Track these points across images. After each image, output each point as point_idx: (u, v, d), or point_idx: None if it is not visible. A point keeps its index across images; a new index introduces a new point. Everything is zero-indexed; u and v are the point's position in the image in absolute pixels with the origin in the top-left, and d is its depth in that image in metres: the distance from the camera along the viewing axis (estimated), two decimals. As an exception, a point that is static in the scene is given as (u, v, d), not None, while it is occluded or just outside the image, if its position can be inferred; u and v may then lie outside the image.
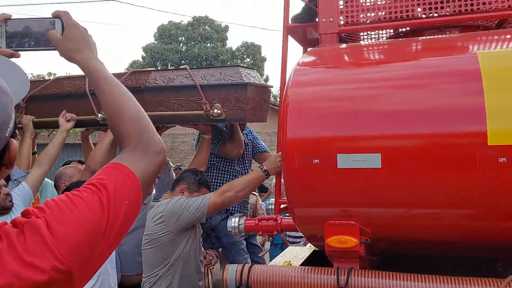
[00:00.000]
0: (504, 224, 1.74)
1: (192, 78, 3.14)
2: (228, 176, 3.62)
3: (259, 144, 3.89)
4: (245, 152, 3.70)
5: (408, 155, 1.77)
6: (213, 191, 3.10)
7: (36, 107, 3.73)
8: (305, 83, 1.98)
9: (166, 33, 25.37)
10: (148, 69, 3.50)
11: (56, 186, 3.40)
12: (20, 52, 1.21)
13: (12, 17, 1.21)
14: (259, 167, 2.82)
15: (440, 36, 2.20)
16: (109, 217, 0.91)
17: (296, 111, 1.92)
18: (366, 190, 1.85)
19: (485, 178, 1.67)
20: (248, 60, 26.03)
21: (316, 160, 1.86)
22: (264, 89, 3.26)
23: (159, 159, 1.06)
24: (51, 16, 1.19)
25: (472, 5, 2.17)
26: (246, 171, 3.75)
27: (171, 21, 26.12)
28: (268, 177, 2.83)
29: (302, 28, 2.90)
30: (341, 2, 2.39)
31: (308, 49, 2.77)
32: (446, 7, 2.24)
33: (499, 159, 1.64)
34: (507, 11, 2.16)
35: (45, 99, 3.68)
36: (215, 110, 3.02)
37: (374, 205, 1.89)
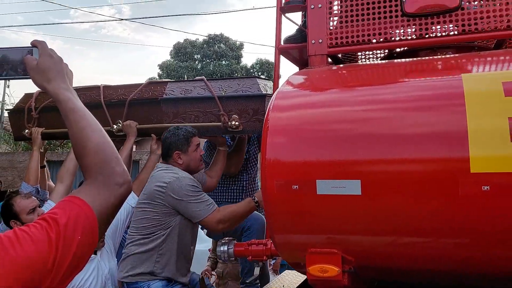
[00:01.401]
0: (488, 253, 1.65)
1: (209, 89, 3.13)
2: (233, 186, 3.59)
3: None
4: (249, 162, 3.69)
5: (388, 182, 1.70)
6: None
7: (50, 118, 3.77)
8: (285, 107, 1.94)
9: (182, 51, 25.73)
10: (165, 80, 3.52)
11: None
12: None
13: None
14: (251, 198, 2.82)
15: (428, 57, 2.14)
16: (57, 254, 0.90)
17: (276, 136, 1.87)
18: (347, 217, 1.79)
19: (468, 206, 1.59)
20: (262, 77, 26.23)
21: (295, 186, 1.81)
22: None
23: (121, 191, 1.05)
24: (29, 45, 1.21)
25: (469, 25, 2.10)
26: (251, 178, 3.73)
27: (187, 39, 26.52)
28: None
29: (298, 48, 2.87)
30: (331, 23, 2.35)
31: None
32: (442, 27, 2.18)
33: (483, 187, 1.56)
34: (504, 31, 2.09)
35: (58, 110, 3.71)
36: (233, 122, 3.01)
37: (355, 233, 1.82)
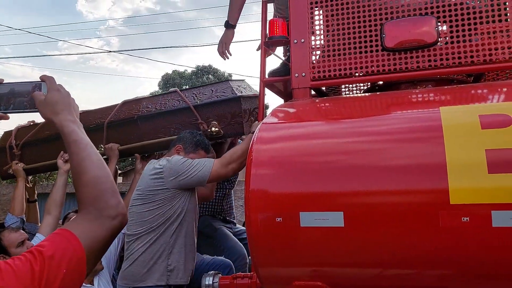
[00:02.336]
0: (469, 285, 1.66)
1: (184, 99, 3.12)
2: (216, 194, 3.54)
3: None
4: None
5: (370, 213, 1.72)
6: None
7: (32, 152, 3.74)
8: (269, 140, 1.96)
9: (171, 82, 25.85)
10: (139, 97, 3.47)
11: None
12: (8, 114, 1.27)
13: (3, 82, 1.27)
14: (251, 133, 2.77)
15: (408, 90, 2.19)
16: (40, 286, 0.89)
17: (259, 168, 1.89)
18: (330, 249, 1.79)
19: (449, 237, 1.61)
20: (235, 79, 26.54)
21: (279, 218, 1.81)
22: (257, 98, 3.22)
23: (113, 224, 1.05)
24: (38, 80, 1.26)
25: (447, 59, 2.16)
26: (232, 184, 3.73)
27: (176, 70, 26.68)
28: None
29: (282, 81, 2.92)
30: (313, 57, 2.41)
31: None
32: (421, 61, 2.24)
33: (462, 218, 1.59)
34: (481, 66, 2.15)
35: (40, 143, 3.70)
36: (213, 128, 3.02)
37: (339, 265, 1.82)
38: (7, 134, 3.95)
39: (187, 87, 26.40)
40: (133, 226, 2.79)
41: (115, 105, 3.44)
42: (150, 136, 3.16)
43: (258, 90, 2.74)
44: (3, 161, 3.86)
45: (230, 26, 3.02)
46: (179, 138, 2.94)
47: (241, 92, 3.03)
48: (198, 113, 3.06)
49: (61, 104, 1.20)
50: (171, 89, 3.44)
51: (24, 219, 3.57)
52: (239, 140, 3.63)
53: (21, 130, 3.79)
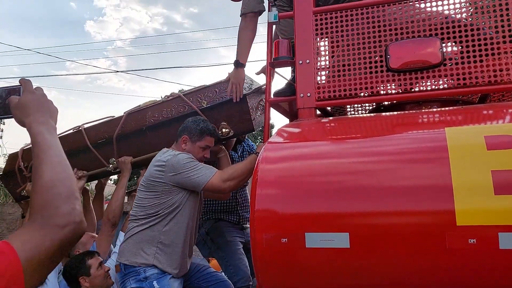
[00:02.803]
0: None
1: (189, 104, 3.10)
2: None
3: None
4: None
5: (376, 234, 1.71)
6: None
7: None
8: (274, 160, 1.97)
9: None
10: (141, 106, 3.44)
11: (70, 255, 3.29)
12: None
13: None
14: (254, 153, 2.80)
15: (413, 111, 2.20)
16: None
17: (265, 188, 1.89)
18: (336, 270, 1.77)
19: (455, 260, 1.60)
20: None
21: (284, 239, 1.81)
22: (260, 90, 3.18)
23: (62, 233, 0.94)
24: (17, 84, 1.21)
25: (452, 80, 2.17)
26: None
27: (182, 90, 26.56)
28: None
29: (288, 101, 2.93)
30: (318, 78, 2.42)
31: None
32: (426, 82, 2.26)
33: (469, 240, 1.57)
34: (486, 86, 2.16)
35: None
36: (223, 130, 3.02)
37: (345, 286, 1.80)
38: (13, 157, 3.96)
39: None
40: (135, 208, 2.88)
41: (120, 117, 3.43)
42: (162, 145, 3.16)
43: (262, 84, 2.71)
44: (15, 183, 3.88)
45: (240, 65, 3.00)
46: (183, 129, 2.94)
47: (245, 88, 3.02)
48: (206, 115, 3.05)
49: (33, 105, 1.12)
50: (173, 93, 3.34)
51: None
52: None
53: (26, 151, 3.81)
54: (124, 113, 3.43)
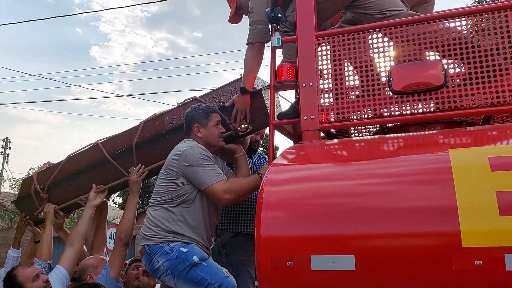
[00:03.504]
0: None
1: (207, 105, 3.13)
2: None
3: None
4: None
5: (381, 257, 1.70)
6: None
7: (58, 193, 3.77)
8: (279, 182, 1.97)
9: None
10: (157, 114, 3.50)
11: (81, 279, 3.29)
12: None
13: None
14: (258, 174, 2.84)
15: (417, 133, 2.21)
16: None
17: (270, 211, 1.89)
18: (342, 294, 1.76)
19: (462, 281, 1.58)
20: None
21: (289, 262, 1.80)
22: (268, 86, 3.15)
23: None
24: None
25: (455, 102, 2.18)
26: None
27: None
28: None
29: (292, 123, 2.95)
30: (322, 100, 2.44)
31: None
32: (429, 104, 2.27)
33: (475, 262, 1.56)
34: (489, 108, 2.17)
35: (65, 181, 3.74)
36: (242, 126, 3.06)
37: (351, 310, 1.78)
38: (28, 181, 4.03)
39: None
40: (153, 195, 2.94)
41: (136, 127, 3.49)
42: None
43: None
44: (31, 207, 3.91)
45: (247, 92, 3.06)
46: (189, 121, 2.99)
47: (258, 85, 3.07)
48: (224, 113, 3.09)
49: None
50: (189, 98, 3.43)
51: (51, 264, 3.55)
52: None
53: (40, 174, 3.86)
54: (140, 122, 3.49)
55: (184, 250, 2.70)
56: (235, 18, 3.33)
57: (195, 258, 2.67)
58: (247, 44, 2.97)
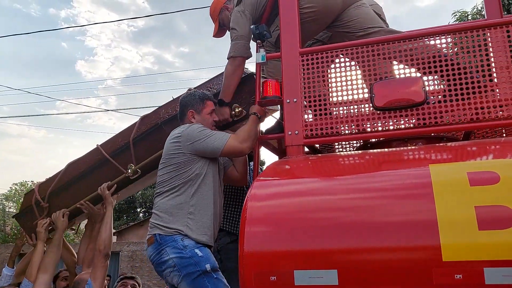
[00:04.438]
0: None
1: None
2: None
3: None
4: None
5: (364, 271, 1.71)
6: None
7: (60, 199, 3.77)
8: (263, 197, 1.99)
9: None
10: (154, 110, 3.54)
11: None
12: None
13: None
14: (252, 114, 2.82)
15: (398, 148, 2.24)
16: None
17: (253, 226, 1.90)
18: (325, 308, 1.77)
19: (443, 296, 1.60)
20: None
21: (273, 277, 1.81)
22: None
23: None
24: None
25: (436, 118, 2.22)
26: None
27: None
28: (261, 120, 2.87)
29: (276, 139, 2.98)
30: (306, 116, 2.47)
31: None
32: (410, 120, 2.31)
33: (455, 275, 1.59)
34: (468, 124, 2.22)
35: (64, 188, 3.75)
36: (236, 110, 3.08)
37: (335, 325, 1.79)
38: (29, 194, 4.07)
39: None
40: (158, 186, 2.89)
41: (134, 123, 3.54)
42: None
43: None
44: (32, 219, 3.95)
45: (225, 104, 3.09)
46: (184, 106, 3.01)
47: (249, 70, 3.12)
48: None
49: None
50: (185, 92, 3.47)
51: None
52: None
53: (41, 185, 3.89)
54: (140, 118, 3.55)
55: (199, 253, 2.62)
56: (219, 33, 3.40)
57: (208, 267, 2.59)
58: (228, 58, 3.01)
